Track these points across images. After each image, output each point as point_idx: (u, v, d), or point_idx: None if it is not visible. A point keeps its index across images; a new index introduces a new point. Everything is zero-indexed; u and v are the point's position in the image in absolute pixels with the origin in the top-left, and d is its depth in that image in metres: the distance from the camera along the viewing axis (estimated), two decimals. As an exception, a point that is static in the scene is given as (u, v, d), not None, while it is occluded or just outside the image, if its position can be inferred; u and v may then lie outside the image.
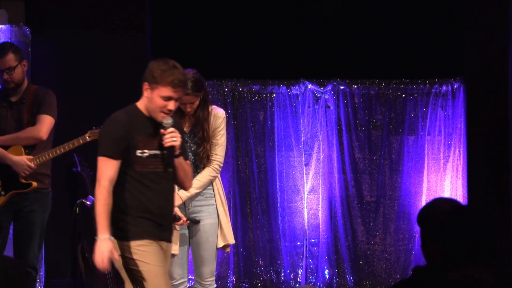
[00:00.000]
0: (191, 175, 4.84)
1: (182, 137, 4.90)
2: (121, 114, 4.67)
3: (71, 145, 6.04)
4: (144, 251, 4.59)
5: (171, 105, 4.56)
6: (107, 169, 4.54)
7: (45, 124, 6.05)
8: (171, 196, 4.74)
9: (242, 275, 7.93)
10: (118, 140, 4.56)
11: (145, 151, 4.58)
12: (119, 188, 4.60)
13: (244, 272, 7.93)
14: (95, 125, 6.20)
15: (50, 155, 6.05)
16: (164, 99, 4.55)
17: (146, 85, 4.60)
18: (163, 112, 4.57)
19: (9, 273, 3.46)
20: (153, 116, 4.60)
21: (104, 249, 4.48)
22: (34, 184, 6.02)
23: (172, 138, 4.56)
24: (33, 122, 6.06)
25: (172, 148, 4.58)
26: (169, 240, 4.73)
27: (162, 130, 4.57)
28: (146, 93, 4.61)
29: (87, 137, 6.07)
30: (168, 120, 4.58)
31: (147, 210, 4.60)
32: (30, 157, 6.00)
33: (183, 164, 4.69)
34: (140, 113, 4.64)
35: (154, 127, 4.61)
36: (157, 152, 4.61)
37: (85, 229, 6.88)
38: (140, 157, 4.58)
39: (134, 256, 4.60)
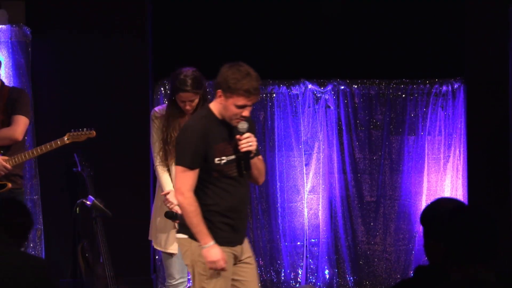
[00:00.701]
0: (264, 170, 4.78)
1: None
2: (197, 122, 4.65)
3: (48, 147, 6.01)
4: None
5: (246, 112, 4.54)
6: (189, 179, 4.57)
7: (20, 125, 6.03)
8: (247, 199, 4.77)
9: (242, 275, 7.92)
10: (195, 150, 4.55)
11: (223, 158, 4.58)
12: (198, 192, 4.61)
13: (244, 272, 7.92)
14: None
15: (27, 156, 6.03)
16: (239, 108, 4.52)
17: (219, 92, 4.56)
18: (237, 118, 4.55)
19: (41, 273, 3.53)
20: (227, 121, 4.58)
21: (215, 255, 4.53)
22: (9, 184, 6.00)
23: (248, 143, 4.55)
24: (7, 122, 6.03)
25: (248, 152, 4.58)
26: (242, 242, 4.72)
27: (237, 136, 4.56)
28: (219, 100, 4.56)
29: (66, 139, 6.05)
30: (243, 125, 4.56)
31: (225, 214, 4.61)
32: (6, 157, 5.97)
33: (257, 163, 4.68)
34: (214, 118, 4.62)
35: (229, 132, 4.60)
36: (233, 157, 4.61)
37: (85, 229, 6.86)
38: (219, 164, 4.58)
39: (203, 260, 4.61)
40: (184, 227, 4.67)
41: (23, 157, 6.01)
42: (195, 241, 4.62)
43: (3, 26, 7.30)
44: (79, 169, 6.85)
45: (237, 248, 4.69)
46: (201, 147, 4.55)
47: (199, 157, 4.55)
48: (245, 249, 4.76)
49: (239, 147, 4.57)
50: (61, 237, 7.44)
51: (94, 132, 6.13)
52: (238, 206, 4.65)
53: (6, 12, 7.37)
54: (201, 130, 4.58)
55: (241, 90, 4.47)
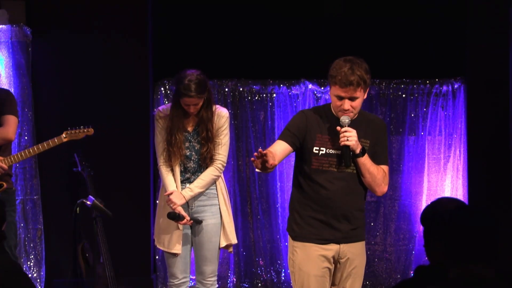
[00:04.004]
0: (380, 179, 4.61)
1: (207, 136, 4.93)
2: (311, 109, 4.69)
3: (45, 145, 6.00)
4: (298, 254, 4.61)
5: (345, 105, 4.48)
6: (274, 145, 4.55)
7: (12, 125, 6.03)
8: (348, 197, 4.59)
9: (242, 275, 7.92)
10: (294, 129, 4.55)
11: (322, 148, 4.55)
12: (295, 183, 4.65)
13: (245, 272, 7.93)
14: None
15: (23, 155, 6.02)
16: (337, 98, 4.49)
17: (329, 84, 4.56)
18: (340, 111, 4.51)
19: (12, 274, 3.42)
20: (338, 115, 4.56)
21: None
22: (5, 184, 5.99)
23: (345, 137, 4.46)
24: None
25: (346, 147, 4.49)
26: (339, 241, 4.61)
27: (338, 128, 4.50)
28: (329, 92, 4.58)
29: (63, 137, 6.04)
30: (345, 119, 4.49)
31: (317, 208, 4.57)
32: (1, 158, 5.97)
33: (367, 165, 4.55)
34: (328, 111, 4.61)
35: (337, 127, 4.53)
36: (333, 151, 4.55)
37: (85, 229, 6.86)
38: (316, 154, 4.56)
39: (292, 257, 4.63)
40: (289, 227, 4.68)
41: (20, 156, 6.00)
42: (291, 238, 4.65)
43: (3, 26, 7.29)
44: (79, 169, 6.84)
45: (331, 247, 4.60)
46: (302, 129, 4.54)
47: (295, 136, 4.53)
48: (351, 256, 4.64)
49: (339, 141, 4.49)
50: (61, 237, 7.43)
51: (92, 130, 6.11)
52: (332, 202, 4.56)
53: (6, 12, 7.37)
54: (309, 116, 4.59)
55: (336, 78, 4.44)
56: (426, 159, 7.93)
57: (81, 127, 6.08)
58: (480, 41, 7.69)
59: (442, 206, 3.20)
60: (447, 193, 7.86)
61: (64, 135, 6.03)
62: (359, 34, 7.86)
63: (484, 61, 7.68)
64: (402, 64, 7.90)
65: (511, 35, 7.55)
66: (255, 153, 4.23)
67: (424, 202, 7.86)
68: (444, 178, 7.93)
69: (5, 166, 5.95)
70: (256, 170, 4.36)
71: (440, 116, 7.94)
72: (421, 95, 7.95)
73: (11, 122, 6.02)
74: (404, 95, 7.96)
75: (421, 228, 7.54)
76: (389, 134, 7.97)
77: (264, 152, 4.21)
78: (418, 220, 7.79)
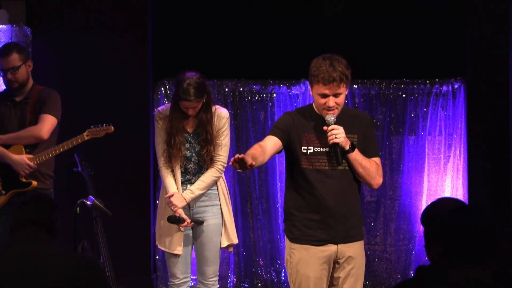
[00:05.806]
0: (374, 172, 4.61)
1: (206, 138, 4.91)
2: (295, 110, 4.72)
3: (69, 144, 6.04)
4: (295, 255, 4.61)
5: (330, 102, 4.49)
6: (265, 140, 4.55)
7: (47, 123, 6.06)
8: (342, 195, 4.59)
9: (242, 275, 7.92)
10: (281, 127, 4.57)
11: (310, 147, 4.55)
12: (290, 187, 4.64)
13: (245, 272, 7.93)
14: (95, 125, 6.20)
15: (50, 154, 6.05)
16: (321, 96, 4.50)
17: (309, 84, 4.57)
18: (325, 109, 4.52)
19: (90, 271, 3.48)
20: (322, 114, 4.57)
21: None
22: (34, 183, 6.02)
23: (333, 135, 4.47)
24: (35, 121, 6.08)
25: (336, 145, 4.49)
26: (337, 242, 4.60)
27: (325, 127, 4.51)
28: (311, 92, 4.59)
29: (85, 136, 6.07)
30: (330, 117, 4.51)
31: (312, 209, 4.57)
32: (30, 156, 6.00)
33: (359, 160, 4.55)
34: (312, 111, 4.62)
35: (322, 125, 4.55)
36: (322, 149, 4.56)
37: (85, 229, 6.86)
38: (305, 153, 4.56)
39: (289, 258, 4.64)
40: (286, 229, 4.68)
41: (46, 155, 6.04)
42: (288, 240, 4.65)
43: (3, 26, 7.29)
44: (79, 169, 6.84)
45: (329, 248, 4.60)
46: (288, 128, 4.55)
47: (283, 132, 4.55)
48: (350, 256, 4.63)
49: (328, 140, 4.50)
50: (61, 237, 7.42)
51: (112, 128, 6.15)
52: (328, 201, 4.56)
53: (6, 12, 7.37)
54: (295, 116, 4.60)
55: (318, 77, 4.45)
56: (426, 159, 7.93)
57: (104, 125, 6.11)
58: (480, 41, 7.69)
59: (442, 206, 3.20)
60: (447, 193, 7.86)
61: (86, 133, 6.07)
62: (359, 34, 7.85)
63: (484, 61, 7.67)
64: (402, 64, 7.90)
65: (511, 35, 7.54)
66: (233, 158, 4.22)
67: (424, 202, 7.86)
68: (444, 178, 7.92)
69: (33, 164, 5.99)
70: (238, 170, 4.36)
71: (440, 116, 7.93)
72: (421, 95, 7.95)
73: (46, 120, 6.06)
74: (404, 95, 7.95)
75: (421, 228, 7.54)
76: (389, 134, 7.97)
77: (241, 157, 4.19)
78: (418, 220, 7.79)
